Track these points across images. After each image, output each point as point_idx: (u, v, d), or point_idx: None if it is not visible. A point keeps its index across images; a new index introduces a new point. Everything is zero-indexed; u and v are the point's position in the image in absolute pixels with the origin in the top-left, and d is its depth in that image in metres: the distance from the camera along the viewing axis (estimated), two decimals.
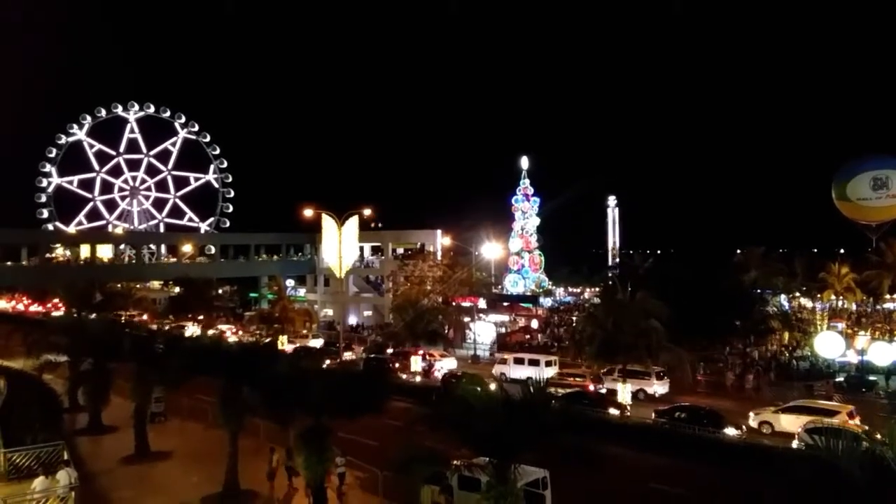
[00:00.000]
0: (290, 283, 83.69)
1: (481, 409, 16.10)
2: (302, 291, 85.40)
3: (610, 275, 71.62)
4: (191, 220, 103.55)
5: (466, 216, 75.10)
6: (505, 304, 66.31)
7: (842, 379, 39.78)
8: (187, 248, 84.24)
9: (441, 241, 72.89)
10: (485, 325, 59.42)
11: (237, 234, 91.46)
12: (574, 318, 61.95)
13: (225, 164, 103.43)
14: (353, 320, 74.65)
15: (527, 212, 75.25)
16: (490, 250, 69.96)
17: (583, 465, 15.53)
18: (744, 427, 29.62)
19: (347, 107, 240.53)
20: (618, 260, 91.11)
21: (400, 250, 76.23)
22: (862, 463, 10.96)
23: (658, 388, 37.40)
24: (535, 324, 63.24)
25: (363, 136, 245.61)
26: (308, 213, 54.64)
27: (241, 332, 61.59)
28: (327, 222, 53.61)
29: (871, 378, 39.01)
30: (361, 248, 72.62)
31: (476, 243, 70.17)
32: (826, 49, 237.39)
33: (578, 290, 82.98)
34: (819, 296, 58.55)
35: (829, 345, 41.04)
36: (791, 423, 29.02)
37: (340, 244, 51.85)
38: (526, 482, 17.70)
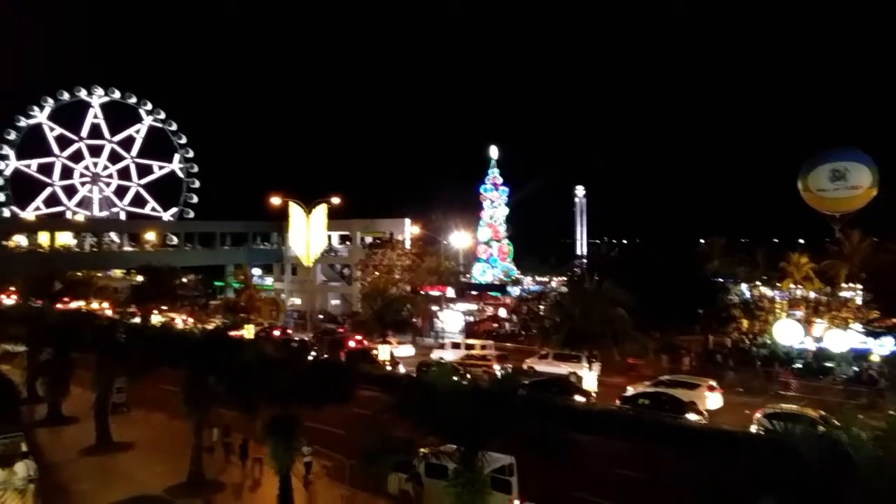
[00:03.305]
0: (256, 271, 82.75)
1: (448, 397, 16.14)
2: (269, 280, 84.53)
3: (577, 264, 72.50)
4: (153, 209, 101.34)
5: (435, 205, 74.94)
6: (473, 292, 66.57)
7: (800, 365, 40.84)
8: (151, 237, 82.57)
9: (410, 229, 72.77)
10: (453, 314, 59.59)
11: (202, 222, 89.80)
12: (542, 307, 62.51)
13: (191, 154, 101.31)
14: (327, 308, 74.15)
15: (495, 201, 75.49)
16: (458, 239, 70.12)
17: (549, 451, 15.70)
18: (704, 412, 30.27)
19: (315, 96, 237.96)
20: (585, 249, 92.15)
21: (368, 239, 75.88)
22: (819, 446, 11.26)
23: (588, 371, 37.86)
24: (503, 312, 63.58)
25: (331, 125, 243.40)
26: (275, 201, 54.02)
27: (192, 321, 59.34)
28: (294, 211, 53.08)
29: (828, 364, 40.12)
30: (329, 237, 72.08)
31: (445, 232, 70.29)
32: (791, 39, 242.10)
33: (546, 279, 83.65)
34: (779, 285, 59.98)
35: (787, 332, 42.13)
36: None
37: (308, 233, 51.47)
38: (492, 469, 17.81)
